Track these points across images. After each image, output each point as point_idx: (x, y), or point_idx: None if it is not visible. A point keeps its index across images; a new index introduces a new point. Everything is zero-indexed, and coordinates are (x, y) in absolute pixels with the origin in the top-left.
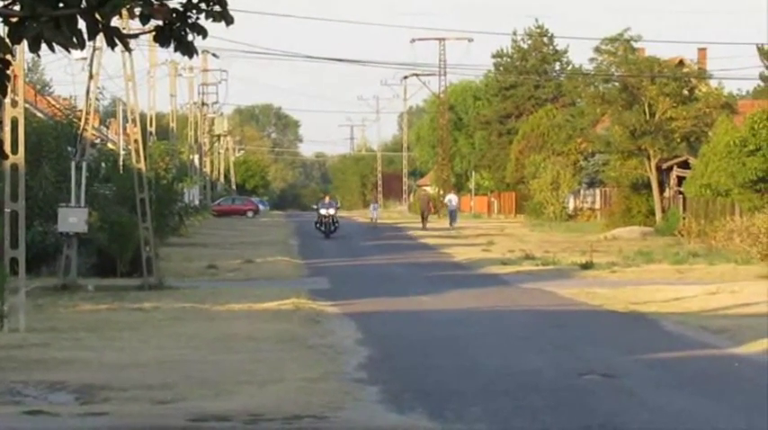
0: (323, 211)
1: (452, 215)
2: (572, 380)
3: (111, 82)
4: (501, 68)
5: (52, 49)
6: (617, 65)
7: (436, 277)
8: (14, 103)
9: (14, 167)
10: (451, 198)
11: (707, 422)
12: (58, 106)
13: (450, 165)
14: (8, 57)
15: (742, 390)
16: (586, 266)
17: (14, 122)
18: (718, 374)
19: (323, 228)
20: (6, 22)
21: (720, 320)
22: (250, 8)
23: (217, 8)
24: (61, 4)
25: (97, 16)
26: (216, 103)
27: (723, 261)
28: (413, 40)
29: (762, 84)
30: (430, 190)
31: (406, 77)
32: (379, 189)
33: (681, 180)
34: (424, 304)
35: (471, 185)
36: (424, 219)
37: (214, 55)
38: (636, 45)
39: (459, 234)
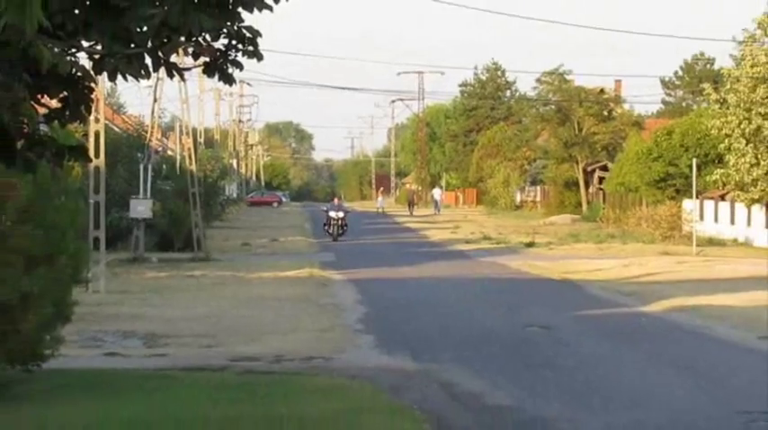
0: (332, 214)
1: (436, 204)
2: (518, 331)
3: (170, 103)
4: (465, 94)
5: (125, 79)
6: (553, 92)
7: (416, 253)
8: (97, 120)
9: (96, 169)
10: (436, 192)
11: (619, 360)
12: (129, 122)
13: (426, 167)
14: (92, 84)
15: (646, 338)
16: (530, 245)
17: (97, 134)
18: (628, 326)
19: (330, 231)
20: (91, 58)
21: (631, 286)
22: (277, 48)
23: (250, 48)
24: (132, 45)
25: (159, 54)
26: (249, 120)
27: (633, 241)
28: (399, 74)
29: (663, 107)
30: (413, 187)
31: (393, 101)
32: (373, 186)
33: (601, 179)
34: (407, 273)
35: (443, 183)
36: (411, 206)
37: (248, 84)
38: (568, 77)
39: (434, 220)
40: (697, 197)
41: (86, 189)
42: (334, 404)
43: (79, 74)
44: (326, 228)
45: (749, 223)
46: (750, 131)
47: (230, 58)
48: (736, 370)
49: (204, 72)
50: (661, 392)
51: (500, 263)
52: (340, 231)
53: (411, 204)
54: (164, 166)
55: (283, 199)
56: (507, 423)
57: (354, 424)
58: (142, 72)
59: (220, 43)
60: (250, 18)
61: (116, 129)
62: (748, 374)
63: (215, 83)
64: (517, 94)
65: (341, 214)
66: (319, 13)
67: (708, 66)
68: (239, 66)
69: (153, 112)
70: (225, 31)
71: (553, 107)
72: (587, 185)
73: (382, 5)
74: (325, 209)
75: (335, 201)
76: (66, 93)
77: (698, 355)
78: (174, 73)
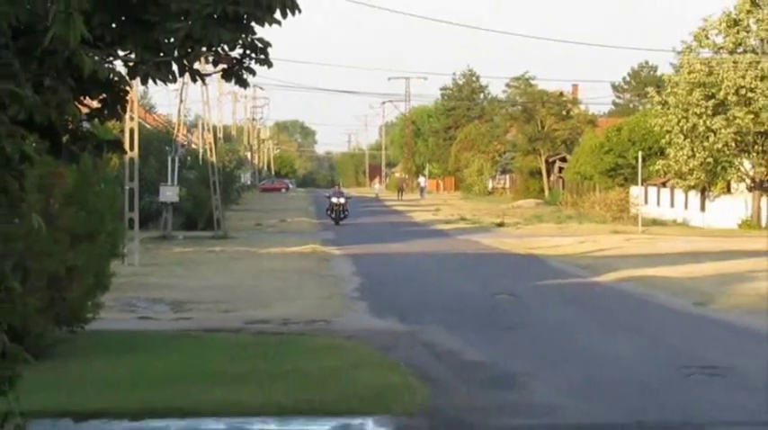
0: (334, 200)
1: (422, 191)
2: (489, 298)
3: (193, 104)
4: (445, 97)
5: (155, 83)
6: (520, 95)
7: (404, 232)
8: (131, 118)
9: (131, 160)
10: (421, 179)
11: (576, 323)
12: (159, 121)
13: (412, 159)
14: (127, 88)
15: (598, 304)
16: (500, 225)
17: (131, 131)
18: (583, 293)
19: (333, 215)
20: (126, 65)
21: (586, 260)
22: (284, 57)
23: (262, 57)
24: (161, 54)
25: (185, 62)
26: (261, 118)
27: (588, 221)
28: (389, 79)
29: (613, 107)
30: (401, 175)
31: (384, 103)
32: (367, 175)
33: (561, 169)
34: (396, 249)
35: (426, 172)
36: (400, 192)
37: (260, 87)
38: (532, 82)
39: (419, 204)
40: (642, 184)
41: (122, 177)
42: (333, 361)
43: (116, 79)
44: (329, 212)
45: (686, 206)
46: (687, 128)
47: (245, 65)
48: (675, 331)
49: (222, 77)
50: (612, 350)
51: (474, 240)
52: (342, 215)
53: (400, 190)
54: (188, 158)
55: (290, 185)
56: (480, 376)
57: (350, 377)
58: (170, 77)
59: (236, 53)
60: (261, 31)
61: (148, 126)
62: (686, 335)
63: (232, 86)
64: (489, 96)
65: (342, 200)
66: (321, 27)
67: (651, 72)
68: (252, 72)
69: (179, 112)
70: (240, 42)
71: (520, 108)
72: (549, 174)
73: (378, 22)
74: (328, 195)
75: (337, 188)
76: (104, 95)
77: (643, 319)
78: (197, 78)
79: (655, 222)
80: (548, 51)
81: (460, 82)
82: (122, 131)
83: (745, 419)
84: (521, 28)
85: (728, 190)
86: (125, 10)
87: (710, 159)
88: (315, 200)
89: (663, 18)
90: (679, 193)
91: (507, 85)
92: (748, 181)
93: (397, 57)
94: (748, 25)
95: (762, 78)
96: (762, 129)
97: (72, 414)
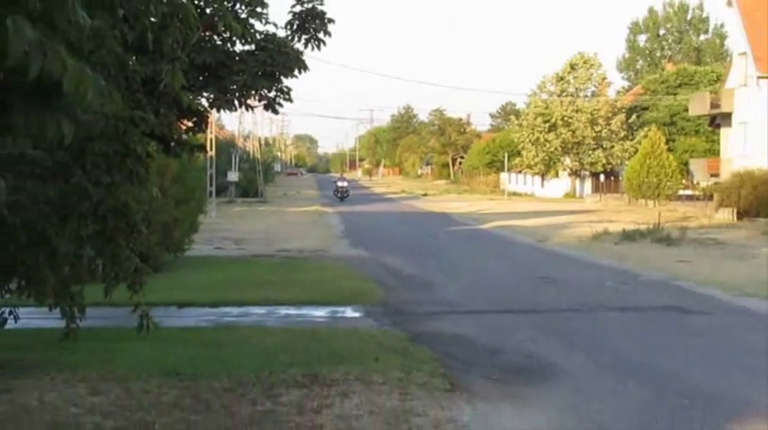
0: (339, 184)
1: (380, 175)
2: (418, 237)
3: (247, 124)
4: (393, 120)
5: (225, 111)
6: (436, 119)
7: (369, 199)
8: (210, 133)
9: (210, 157)
10: (380, 169)
11: (468, 252)
12: (226, 133)
13: (374, 157)
14: (208, 114)
15: (481, 241)
16: (425, 195)
17: (210, 140)
18: (473, 235)
19: (338, 195)
20: (207, 101)
21: (475, 215)
22: (298, 96)
23: (286, 96)
24: (227, 95)
25: (242, 99)
26: (286, 132)
27: (476, 194)
28: (361, 110)
29: (491, 127)
30: (367, 166)
31: (358, 124)
32: (349, 169)
33: (461, 163)
34: (364, 209)
35: (382, 164)
36: (370, 175)
37: (285, 114)
38: (444, 112)
39: (378, 183)
40: (507, 172)
41: (206, 166)
42: (326, 273)
43: (201, 109)
44: (336, 193)
45: (533, 185)
46: (533, 140)
47: (276, 101)
48: (526, 257)
49: (264, 108)
50: (489, 268)
51: (409, 203)
52: (345, 195)
53: (370, 174)
54: (243, 156)
55: (303, 172)
56: (412, 283)
57: (337, 284)
58: (233, 108)
59: (271, 94)
60: (286, 81)
61: (220, 137)
62: (532, 259)
63: (269, 113)
64: (418, 120)
65: (345, 184)
66: (321, 76)
67: (513, 107)
68: (281, 105)
69: (238, 128)
70: (273, 87)
71: (436, 127)
72: (453, 166)
73: (355, 77)
74: (333, 181)
75: (341, 175)
76: (195, 119)
77: (507, 250)
78: (249, 109)
79: (515, 194)
80: (456, 93)
81: (402, 112)
82: (205, 140)
83: (565, 307)
84: (441, 78)
85: (557, 175)
86: (207, 70)
87: (547, 158)
88: (317, 180)
89: (521, 71)
90: (528, 177)
91: (429, 114)
92: (568, 170)
93: (366, 96)
94: (569, 80)
95: (576, 111)
96: (576, 141)
97: (175, 303)
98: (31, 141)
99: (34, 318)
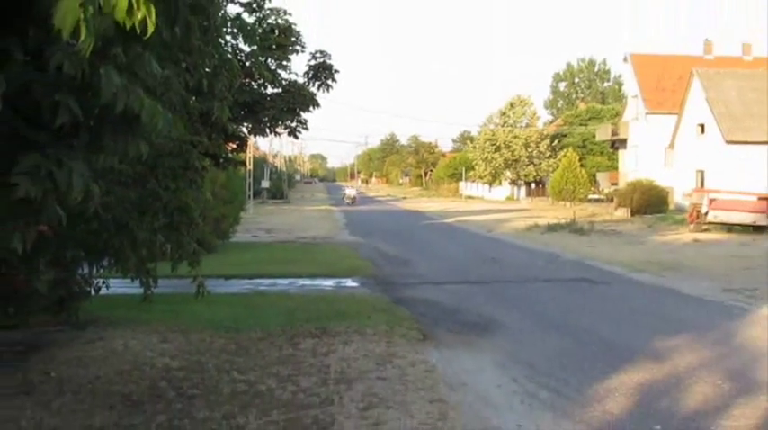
0: (347, 192)
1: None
2: (400, 228)
3: (276, 145)
4: (383, 144)
5: (260, 136)
6: (413, 143)
7: (365, 200)
8: (248, 152)
9: (249, 170)
10: (372, 180)
11: (435, 239)
12: (260, 152)
13: (369, 171)
14: (247, 139)
15: (445, 231)
16: (404, 198)
17: (249, 158)
18: (439, 227)
19: (347, 202)
20: (247, 129)
21: (440, 212)
22: (313, 126)
23: (304, 126)
24: (261, 124)
25: (272, 128)
26: (304, 151)
27: (442, 197)
28: (358, 136)
29: (453, 149)
30: (363, 177)
31: (357, 146)
32: (350, 179)
33: (431, 175)
34: (362, 208)
35: (373, 177)
36: (366, 184)
37: (303, 138)
38: (419, 137)
39: (370, 190)
40: (465, 181)
41: (245, 176)
42: (332, 255)
43: (242, 135)
44: (346, 200)
45: (483, 190)
46: (483, 158)
47: (297, 130)
48: (477, 243)
49: (288, 134)
50: (451, 251)
51: (392, 204)
52: (354, 202)
53: (366, 182)
54: (273, 169)
55: (316, 181)
56: (395, 261)
57: (341, 262)
58: (265, 134)
59: (293, 124)
60: (303, 114)
61: (256, 155)
62: (482, 245)
63: (292, 138)
64: (400, 143)
65: (354, 192)
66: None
67: (469, 133)
68: (300, 132)
69: (269, 149)
70: (295, 119)
71: (413, 148)
72: (426, 177)
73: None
74: (344, 192)
75: (351, 185)
76: (237, 142)
77: (463, 238)
78: (277, 134)
79: (470, 197)
80: (426, 124)
81: (388, 137)
82: (245, 158)
83: (506, 279)
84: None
85: (501, 183)
86: (246, 106)
87: (493, 171)
88: (327, 187)
89: (475, 107)
90: (480, 185)
91: (408, 139)
92: (509, 180)
93: (362, 125)
94: (509, 115)
95: (514, 137)
96: (514, 159)
97: (223, 276)
98: (118, 158)
99: (120, 287)
